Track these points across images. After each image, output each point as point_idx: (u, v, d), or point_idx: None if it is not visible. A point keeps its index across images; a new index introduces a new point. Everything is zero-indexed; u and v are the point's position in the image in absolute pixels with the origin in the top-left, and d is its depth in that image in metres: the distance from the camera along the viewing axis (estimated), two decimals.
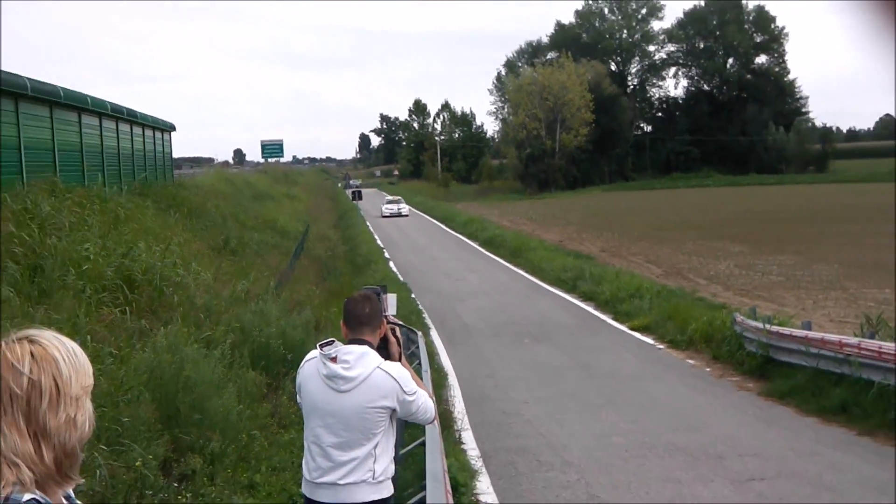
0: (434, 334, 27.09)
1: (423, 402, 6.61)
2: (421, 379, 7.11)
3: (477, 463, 13.92)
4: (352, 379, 6.40)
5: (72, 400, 2.79)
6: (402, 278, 39.75)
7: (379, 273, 37.28)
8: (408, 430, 11.37)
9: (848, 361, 16.79)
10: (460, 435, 15.79)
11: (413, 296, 33.99)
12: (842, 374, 17.05)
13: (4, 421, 2.70)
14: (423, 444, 9.50)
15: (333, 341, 6.59)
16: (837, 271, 38.86)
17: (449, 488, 8.22)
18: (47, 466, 2.74)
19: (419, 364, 16.65)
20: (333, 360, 6.46)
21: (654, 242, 52.14)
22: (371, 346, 6.61)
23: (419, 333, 21.17)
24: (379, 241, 58.95)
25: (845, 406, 16.40)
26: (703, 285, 36.04)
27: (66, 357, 2.82)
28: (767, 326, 20.23)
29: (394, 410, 6.49)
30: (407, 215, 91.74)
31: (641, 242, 52.52)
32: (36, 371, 2.75)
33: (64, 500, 2.86)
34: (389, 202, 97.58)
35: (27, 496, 2.64)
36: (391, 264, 45.67)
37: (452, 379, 21.01)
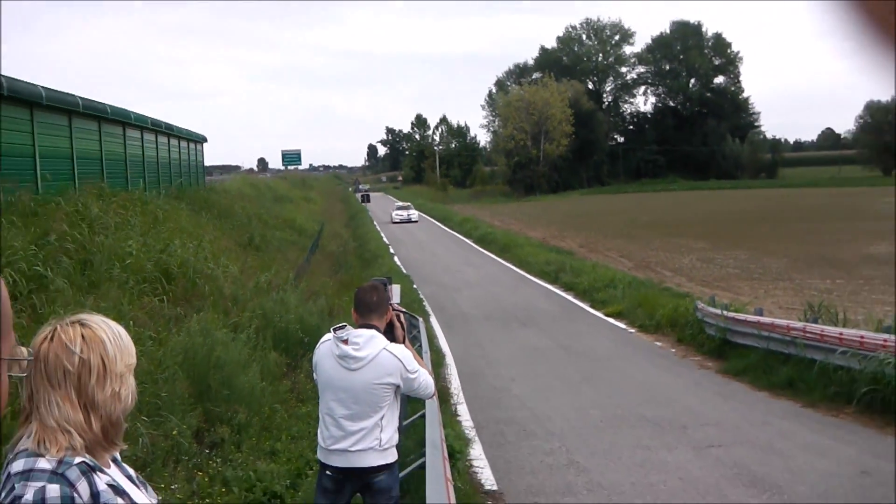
0: (434, 320, 27.05)
1: (424, 379, 6.67)
2: (422, 359, 7.14)
3: (471, 433, 13.94)
4: (361, 359, 6.47)
5: (117, 376, 2.85)
6: (405, 271, 39.74)
7: (385, 266, 37.24)
8: (410, 404, 11.37)
9: (794, 343, 16.82)
10: (456, 408, 15.78)
11: (415, 286, 33.96)
12: (789, 354, 17.08)
13: (58, 394, 2.76)
14: (423, 416, 9.51)
15: (345, 326, 6.66)
16: (785, 264, 38.91)
17: (446, 454, 8.24)
18: (95, 434, 2.79)
19: (420, 346, 16.62)
20: (345, 342, 6.53)
21: (626, 240, 52.12)
22: (378, 330, 6.68)
23: (420, 319, 21.13)
24: (385, 239, 58.90)
25: (792, 382, 16.43)
26: (669, 277, 36.05)
27: (112, 338, 2.88)
28: (725, 312, 20.27)
29: (398, 386, 6.56)
30: (417, 221, 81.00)
31: (615, 239, 52.49)
32: (86, 351, 2.80)
33: (111, 463, 2.92)
34: (399, 208, 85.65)
35: (78, 459, 2.70)
36: (396, 259, 45.60)
37: (449, 359, 20.99)
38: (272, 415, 12.45)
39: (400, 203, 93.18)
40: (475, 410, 15.73)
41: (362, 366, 6.49)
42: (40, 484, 2.59)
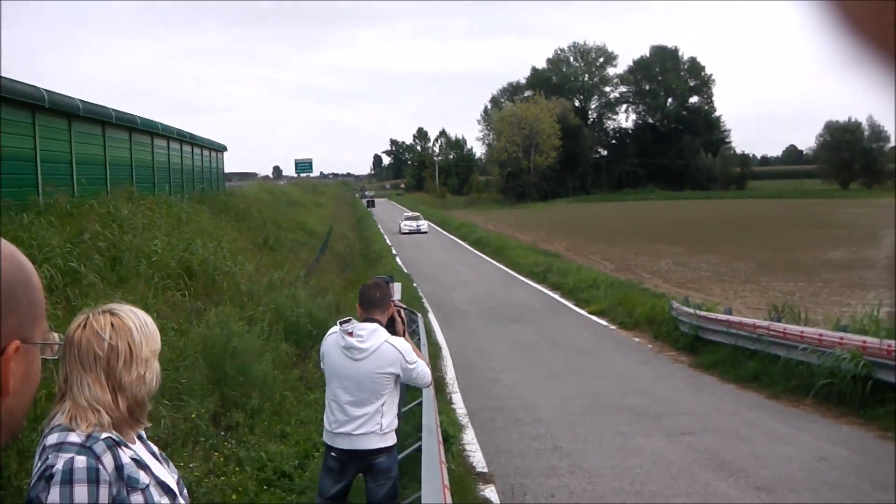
0: (431, 316, 27.04)
1: (422, 369, 6.73)
2: (420, 351, 7.15)
3: (464, 419, 13.91)
4: (364, 350, 6.51)
5: (142, 361, 2.91)
6: (406, 270, 39.72)
7: (388, 266, 37.22)
8: (409, 393, 11.36)
9: (760, 340, 16.83)
10: (451, 397, 15.76)
11: (415, 284, 33.94)
12: (755, 350, 17.08)
13: (89, 376, 2.85)
14: (420, 403, 9.50)
15: (350, 319, 6.71)
16: (753, 268, 38.93)
17: (440, 438, 8.23)
18: (122, 413, 2.87)
19: (419, 339, 16.59)
20: (350, 334, 6.58)
21: (609, 244, 52.12)
22: (381, 323, 6.73)
23: (419, 315, 21.14)
24: (388, 241, 58.89)
25: (757, 375, 16.43)
26: (647, 278, 36.03)
27: (139, 326, 2.94)
28: (697, 311, 20.28)
29: (398, 376, 6.61)
30: (426, 232, 70.30)
31: (598, 244, 52.48)
32: (114, 337, 2.87)
33: (137, 440, 2.98)
34: (408, 219, 74.34)
35: (104, 434, 2.79)
36: (397, 259, 45.57)
37: (445, 352, 20.97)
38: (283, 401, 12.44)
39: (408, 213, 79.74)
40: (468, 399, 15.71)
41: (366, 356, 6.54)
42: (69, 455, 2.70)
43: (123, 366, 2.87)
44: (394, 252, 49.92)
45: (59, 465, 2.67)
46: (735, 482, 10.21)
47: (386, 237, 62.04)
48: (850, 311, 20.60)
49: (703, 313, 20.08)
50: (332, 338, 6.78)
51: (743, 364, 17.16)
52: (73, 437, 2.76)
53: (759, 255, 43.40)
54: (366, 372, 6.56)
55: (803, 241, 50.64)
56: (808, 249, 45.62)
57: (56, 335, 2.46)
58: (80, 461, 2.69)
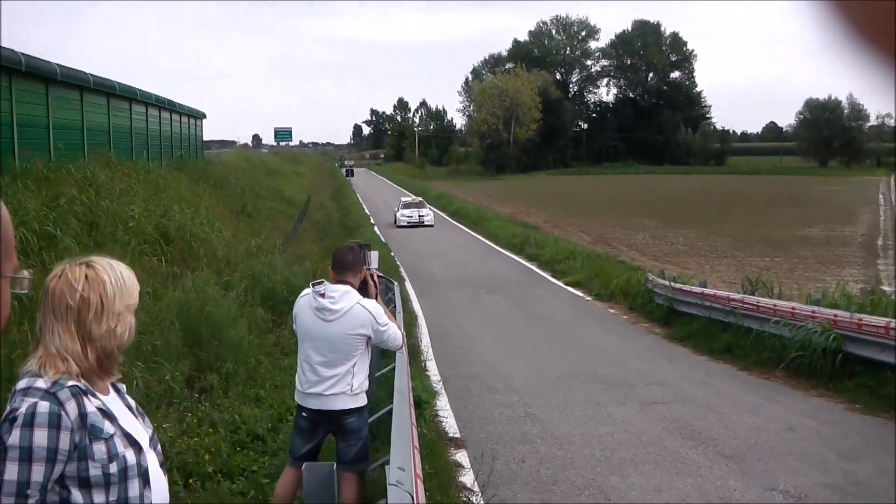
0: (408, 285, 27.08)
1: (393, 332, 6.80)
2: (393, 316, 7.22)
3: (437, 386, 13.98)
4: (336, 311, 6.58)
5: (114, 314, 2.94)
6: (383, 240, 39.74)
7: (366, 236, 37.18)
8: (383, 359, 11.43)
9: (733, 313, 16.95)
10: (425, 364, 15.83)
11: (392, 254, 33.98)
12: (728, 323, 17.20)
13: (60, 326, 2.89)
14: (394, 368, 9.57)
15: (323, 281, 6.78)
16: (729, 243, 39.17)
17: (412, 402, 8.31)
18: (90, 363, 2.91)
19: (394, 307, 16.66)
20: (322, 296, 6.62)
21: (587, 217, 52.26)
22: (353, 286, 6.78)
23: (396, 283, 21.19)
24: (366, 210, 58.85)
25: (730, 347, 16.57)
26: (624, 251, 36.20)
27: (114, 280, 2.97)
28: (672, 284, 20.42)
29: (369, 337, 6.67)
30: (432, 225, 50.48)
31: (576, 217, 52.59)
32: (87, 289, 2.91)
33: (112, 390, 3.05)
34: (407, 206, 53.23)
35: (71, 382, 2.84)
36: (375, 229, 45.58)
37: (421, 320, 21.02)
38: (257, 365, 12.50)
39: (408, 198, 57.93)
40: (443, 366, 15.78)
41: (337, 318, 6.60)
42: (34, 400, 2.76)
43: (94, 317, 2.90)
44: (372, 222, 49.94)
45: (23, 409, 2.74)
46: (704, 450, 10.33)
47: (365, 207, 61.89)
48: (824, 287, 20.74)
49: (678, 286, 20.21)
50: (305, 299, 6.85)
51: (716, 336, 17.28)
52: (40, 383, 2.82)
53: (736, 231, 43.66)
54: (337, 333, 6.63)
55: (780, 217, 50.90)
56: (785, 226, 45.89)
57: (28, 272, 2.52)
58: (43, 406, 2.75)
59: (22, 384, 2.84)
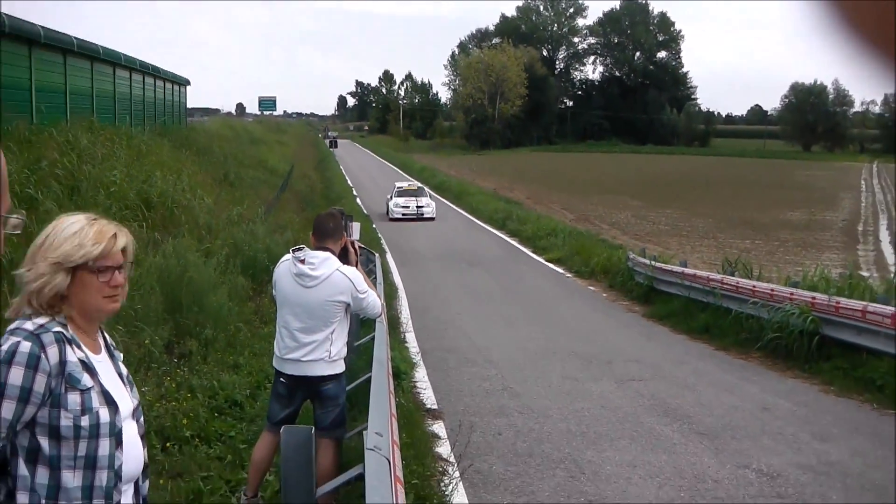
0: (389, 257, 27.12)
1: (372, 300, 6.84)
2: (373, 284, 7.26)
3: (416, 357, 14.03)
4: (316, 277, 6.61)
5: (31, 262, 2.96)
6: (365, 212, 39.76)
7: (348, 207, 37.08)
8: (362, 329, 11.47)
9: (713, 293, 17.05)
10: (405, 336, 15.88)
11: (374, 226, 34.02)
12: (707, 303, 17.31)
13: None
14: (373, 338, 9.61)
15: (303, 247, 6.80)
16: (711, 224, 39.38)
17: (391, 371, 8.36)
18: (34, 308, 2.95)
19: (375, 279, 16.70)
20: (302, 262, 6.65)
21: (569, 194, 52.37)
22: (333, 253, 6.81)
23: (377, 255, 21.20)
24: (349, 181, 58.73)
25: (708, 327, 16.68)
26: (606, 229, 36.35)
27: (49, 232, 3.00)
28: (653, 263, 20.52)
29: (348, 305, 6.71)
30: (433, 218, 40.90)
31: (559, 193, 52.71)
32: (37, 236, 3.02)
33: (104, 352, 3.13)
34: (402, 193, 43.18)
35: (57, 328, 2.91)
36: (358, 200, 45.52)
37: (402, 293, 21.07)
38: (237, 333, 12.51)
39: (403, 184, 47.15)
40: (422, 339, 15.84)
41: (316, 284, 6.63)
42: (17, 339, 2.83)
43: (24, 264, 2.97)
44: (354, 193, 49.85)
45: (5, 347, 2.81)
46: (679, 427, 10.42)
47: (347, 179, 61.73)
48: (804, 270, 20.88)
49: (659, 265, 20.31)
50: (285, 265, 6.88)
51: (695, 316, 17.39)
52: (28, 325, 2.87)
53: (719, 213, 43.86)
54: (316, 299, 6.66)
55: (762, 200, 51.13)
56: (767, 209, 46.11)
57: (21, 213, 2.56)
58: (25, 346, 2.81)
59: (13, 325, 2.90)
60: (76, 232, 3.00)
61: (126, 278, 3.11)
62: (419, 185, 48.19)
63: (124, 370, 3.18)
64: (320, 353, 6.70)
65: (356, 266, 7.12)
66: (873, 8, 0.88)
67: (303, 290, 6.69)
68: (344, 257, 7.08)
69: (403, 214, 40.23)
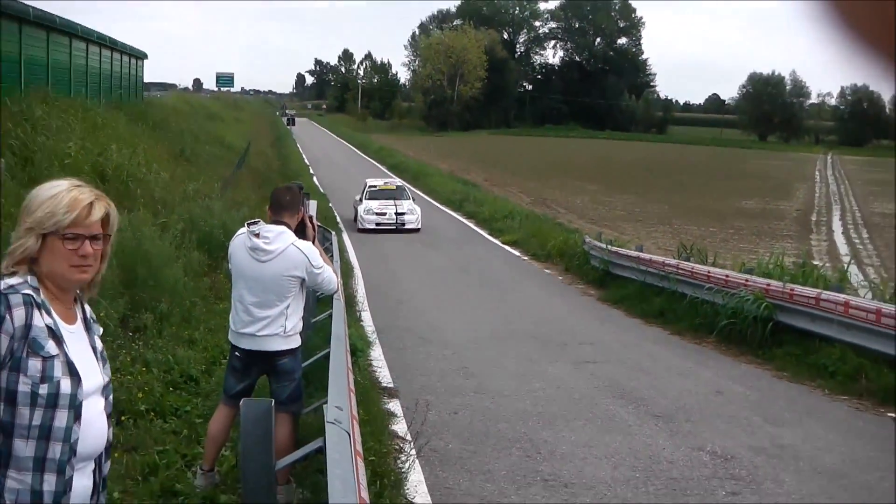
0: (345, 236, 27.13)
1: (328, 275, 6.84)
2: (329, 259, 7.23)
3: (372, 336, 14.03)
4: (270, 252, 6.58)
5: (17, 224, 3.00)
6: (322, 190, 39.62)
7: (304, 185, 36.93)
8: (319, 306, 11.46)
9: (668, 278, 17.17)
10: (360, 314, 15.88)
11: (330, 205, 33.95)
12: (662, 288, 17.42)
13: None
14: (331, 315, 9.60)
15: (258, 221, 6.78)
16: (667, 211, 39.56)
17: (349, 347, 8.36)
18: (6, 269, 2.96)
19: (332, 256, 16.69)
20: (257, 235, 6.62)
21: (527, 178, 52.43)
22: (289, 227, 6.78)
23: (333, 233, 21.17)
24: (306, 160, 58.49)
25: (663, 312, 16.78)
26: (563, 213, 36.46)
27: (30, 197, 3.02)
28: (609, 247, 20.60)
29: (303, 280, 6.67)
30: (418, 229, 30.44)
31: (516, 177, 52.79)
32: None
33: (82, 325, 3.11)
34: (376, 195, 32.08)
35: (27, 290, 2.89)
36: (315, 179, 45.40)
37: (358, 272, 21.09)
38: (192, 308, 12.48)
39: (376, 182, 35.05)
40: (378, 318, 15.86)
41: (271, 258, 6.61)
42: None
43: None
44: (311, 171, 49.69)
45: None
46: (634, 409, 10.51)
47: (305, 158, 61.44)
48: (758, 258, 21.07)
49: (615, 249, 20.42)
50: (240, 238, 6.84)
51: (650, 300, 17.49)
52: (1, 284, 2.85)
53: (674, 199, 44.11)
54: (271, 274, 6.64)
55: (718, 188, 51.53)
56: (723, 197, 46.47)
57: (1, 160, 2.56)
58: None
59: None
60: (52, 197, 2.97)
61: (104, 250, 3.06)
62: (398, 182, 36.71)
63: (99, 345, 3.14)
64: (275, 328, 6.69)
65: (313, 241, 7.10)
66: (873, 8, 0.88)
67: (257, 265, 6.66)
68: (301, 232, 7.04)
69: (378, 224, 30.03)
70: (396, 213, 30.33)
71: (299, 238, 6.89)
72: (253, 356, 6.84)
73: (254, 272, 6.68)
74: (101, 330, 3.21)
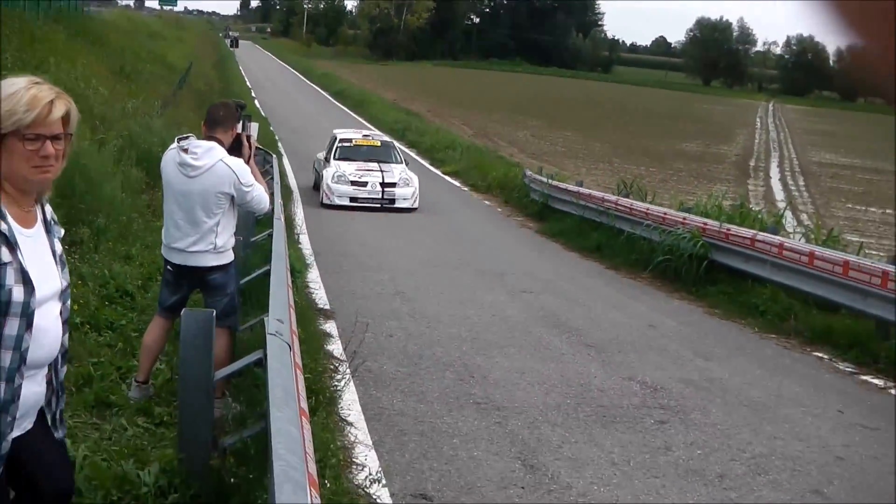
0: (286, 160, 26.94)
1: (257, 194, 6.78)
2: (262, 179, 7.16)
3: (310, 259, 14.09)
4: (198, 167, 6.53)
5: None
6: (264, 114, 39.22)
7: (246, 109, 36.57)
8: (258, 226, 11.44)
9: (606, 213, 17.37)
10: (299, 237, 15.85)
11: (272, 128, 33.66)
12: (600, 223, 17.61)
13: None
14: (271, 234, 9.60)
15: (190, 136, 6.71)
16: (608, 150, 39.78)
17: (288, 264, 8.37)
18: None
19: (272, 179, 16.64)
20: (186, 151, 6.56)
21: (470, 110, 52.33)
22: (221, 143, 6.71)
23: (274, 156, 21.02)
24: (249, 83, 57.80)
25: (600, 246, 16.98)
26: (504, 147, 36.55)
27: None
28: (549, 181, 20.72)
29: (232, 197, 6.61)
30: (415, 208, 21.08)
31: (459, 109, 52.64)
32: None
33: (43, 230, 3.07)
34: (350, 153, 22.45)
35: None
36: (256, 102, 44.85)
37: (297, 195, 21.02)
38: (129, 224, 12.36)
39: (350, 134, 24.90)
40: (316, 241, 15.84)
41: (199, 174, 6.55)
42: None
43: None
44: (253, 95, 49.08)
45: None
46: (568, 339, 10.67)
47: (247, 80, 60.70)
48: (696, 199, 21.32)
49: (555, 183, 20.54)
50: (170, 153, 6.78)
51: (587, 235, 17.66)
52: None
53: (615, 138, 44.34)
54: (199, 190, 6.60)
55: (660, 129, 51.83)
56: (664, 138, 46.76)
57: None
58: None
59: None
60: (10, 96, 2.90)
61: (64, 150, 3.01)
62: (383, 137, 26.84)
63: (59, 248, 3.10)
64: (205, 244, 6.66)
65: (248, 161, 7.05)
66: (873, 8, 0.87)
67: (186, 180, 6.61)
68: (237, 151, 7.00)
69: (354, 199, 21.03)
70: (383, 185, 21.07)
71: (235, 155, 6.85)
72: (183, 271, 6.85)
73: (182, 187, 6.64)
74: (62, 232, 3.17)
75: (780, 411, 8.49)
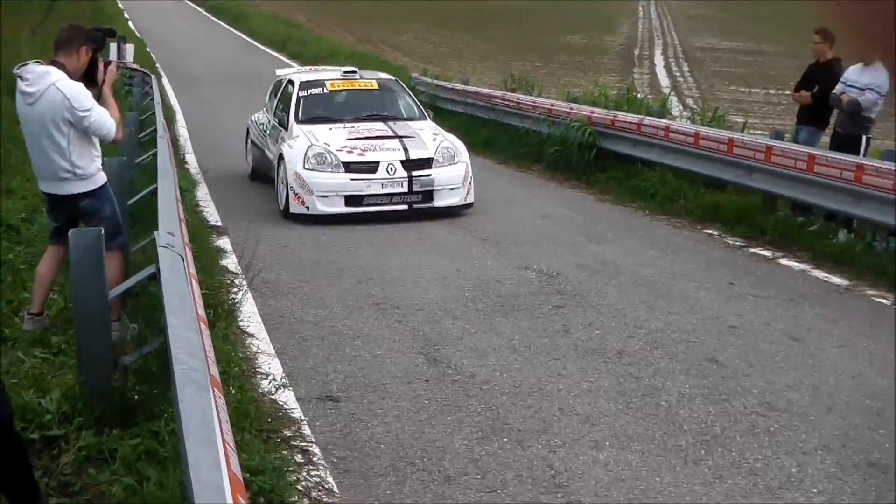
0: (165, 81, 26.47)
1: (97, 118, 6.56)
2: (115, 106, 6.90)
3: (197, 177, 14.02)
4: (32, 94, 6.40)
5: None
6: (139, 34, 38.33)
7: (119, 29, 35.72)
8: (143, 146, 11.31)
9: (494, 109, 17.50)
10: (185, 156, 15.74)
11: (148, 49, 32.98)
12: (488, 119, 17.77)
13: None
14: (155, 154, 9.49)
15: (28, 63, 6.51)
16: (493, 47, 39.81)
17: (176, 179, 8.32)
18: None
19: (152, 100, 16.42)
20: (22, 78, 6.43)
21: (349, 17, 51.67)
22: (64, 68, 6.52)
23: (153, 77, 20.65)
24: (120, 4, 56.16)
25: (489, 142, 17.15)
26: (388, 51, 36.38)
27: None
28: (435, 81, 20.74)
29: (71, 122, 6.48)
30: (469, 203, 12.05)
31: (339, 16, 51.94)
32: None
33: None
34: (328, 105, 13.40)
35: None
36: (130, 24, 43.70)
37: (180, 116, 20.75)
38: (7, 156, 12.07)
39: (322, 77, 14.15)
40: (202, 159, 15.72)
41: (34, 101, 6.41)
42: None
43: None
44: (126, 17, 47.80)
45: None
46: (462, 235, 10.85)
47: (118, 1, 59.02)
48: (583, 88, 21.52)
49: (441, 83, 20.56)
50: (18, 83, 6.64)
51: (476, 132, 17.67)
52: None
53: (500, 35, 44.32)
54: (38, 117, 6.46)
55: (542, 23, 51.79)
56: (547, 32, 46.84)
57: None
58: None
59: None
60: None
61: None
62: (382, 75, 15.96)
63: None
64: (63, 172, 6.56)
65: (103, 85, 6.89)
66: (873, 8, 0.90)
67: (28, 108, 6.48)
68: (92, 75, 6.84)
69: (354, 200, 11.69)
70: (407, 164, 11.91)
71: (88, 80, 6.70)
72: (53, 199, 6.78)
73: (26, 117, 6.53)
74: None
75: (674, 287, 8.75)
